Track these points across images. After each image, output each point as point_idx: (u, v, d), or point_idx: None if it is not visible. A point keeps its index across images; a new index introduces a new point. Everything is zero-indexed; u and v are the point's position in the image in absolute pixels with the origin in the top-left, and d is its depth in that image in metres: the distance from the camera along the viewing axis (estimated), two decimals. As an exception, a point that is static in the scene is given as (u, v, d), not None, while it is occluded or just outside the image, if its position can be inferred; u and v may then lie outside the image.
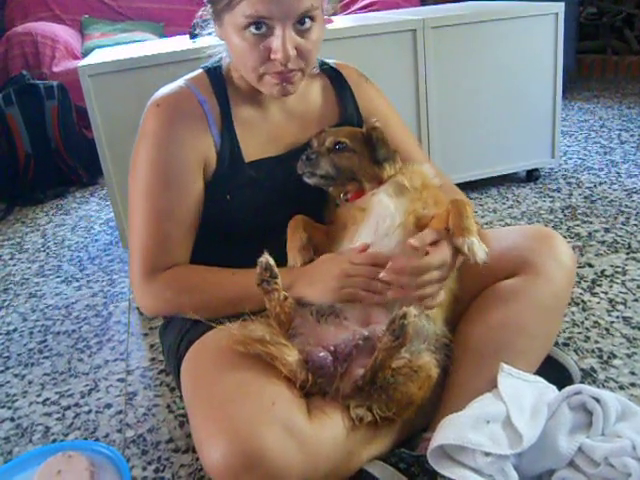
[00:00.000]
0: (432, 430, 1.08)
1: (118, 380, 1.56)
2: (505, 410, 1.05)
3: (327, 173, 1.19)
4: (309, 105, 1.32)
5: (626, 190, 2.42)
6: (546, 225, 2.17)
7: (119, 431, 1.37)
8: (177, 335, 1.24)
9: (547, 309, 1.19)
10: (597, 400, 1.07)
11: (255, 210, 1.24)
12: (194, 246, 1.26)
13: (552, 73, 2.48)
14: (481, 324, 1.19)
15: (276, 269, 1.08)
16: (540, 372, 1.17)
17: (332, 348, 1.06)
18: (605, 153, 2.91)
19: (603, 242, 2.00)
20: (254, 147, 1.24)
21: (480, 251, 1.06)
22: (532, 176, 2.64)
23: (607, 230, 2.08)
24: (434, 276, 1.06)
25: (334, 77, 1.35)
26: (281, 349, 1.03)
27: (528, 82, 2.48)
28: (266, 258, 1.07)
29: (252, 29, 1.06)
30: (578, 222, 2.17)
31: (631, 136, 3.13)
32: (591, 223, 2.15)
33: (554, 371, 1.25)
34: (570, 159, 2.88)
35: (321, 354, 1.04)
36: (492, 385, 1.12)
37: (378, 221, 1.16)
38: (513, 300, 1.19)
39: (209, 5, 1.14)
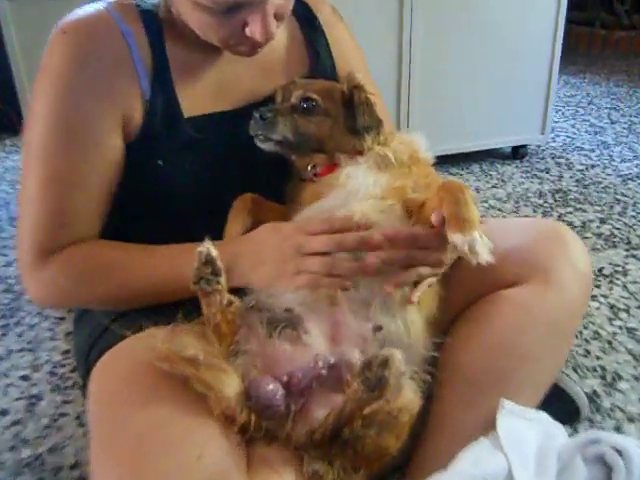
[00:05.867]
0: (410, 477, 0.84)
1: (21, 378, 1.27)
2: (506, 465, 0.82)
3: (285, 139, 0.91)
4: (272, 49, 1.03)
5: (620, 176, 2.21)
6: (535, 211, 1.94)
7: (12, 449, 1.08)
8: (90, 334, 0.99)
9: (559, 328, 0.95)
10: (619, 452, 0.84)
11: (195, 180, 0.96)
12: (115, 228, 0.98)
13: (551, 35, 2.21)
14: (475, 344, 0.94)
15: (220, 263, 0.81)
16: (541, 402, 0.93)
17: (285, 378, 0.79)
18: (595, 133, 2.69)
19: (599, 235, 1.78)
20: (197, 99, 0.95)
21: (484, 250, 0.79)
22: (518, 153, 2.40)
23: (603, 221, 1.86)
24: (431, 256, 0.85)
25: (303, 15, 1.07)
26: (218, 376, 0.77)
27: (523, 46, 2.21)
28: (207, 248, 0.80)
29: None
30: (570, 209, 1.94)
31: (622, 116, 2.92)
32: (585, 211, 1.92)
33: (557, 401, 1.03)
34: (558, 136, 2.65)
35: (270, 387, 0.78)
36: (487, 423, 0.89)
37: (350, 191, 0.90)
38: (517, 315, 0.94)
39: None
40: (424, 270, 0.87)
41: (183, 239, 0.90)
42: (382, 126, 0.97)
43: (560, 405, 1.02)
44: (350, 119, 0.94)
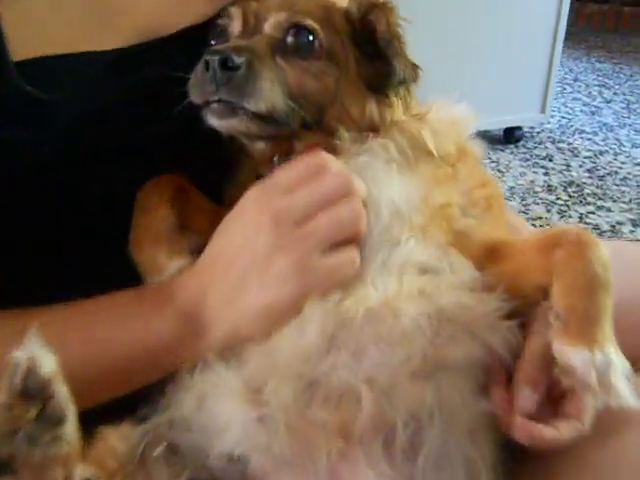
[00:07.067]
0: None
1: None
2: None
3: (272, 108, 0.46)
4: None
5: (638, 164, 1.82)
6: (548, 210, 1.53)
7: None
8: None
9: None
10: None
11: (39, 179, 0.50)
12: None
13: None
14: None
15: (61, 389, 0.33)
16: None
17: None
18: (592, 113, 2.33)
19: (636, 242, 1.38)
20: (45, 29, 0.49)
21: (623, 382, 0.41)
22: (512, 136, 2.01)
23: (635, 223, 1.47)
24: None
25: None
26: None
27: (524, 11, 1.78)
28: (28, 358, 0.33)
29: None
30: (591, 207, 1.54)
31: (614, 94, 2.58)
32: (609, 210, 1.53)
33: None
34: (552, 117, 2.26)
35: None
36: None
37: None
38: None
39: None
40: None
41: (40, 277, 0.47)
42: (418, 78, 0.52)
43: None
44: (368, 64, 0.50)
